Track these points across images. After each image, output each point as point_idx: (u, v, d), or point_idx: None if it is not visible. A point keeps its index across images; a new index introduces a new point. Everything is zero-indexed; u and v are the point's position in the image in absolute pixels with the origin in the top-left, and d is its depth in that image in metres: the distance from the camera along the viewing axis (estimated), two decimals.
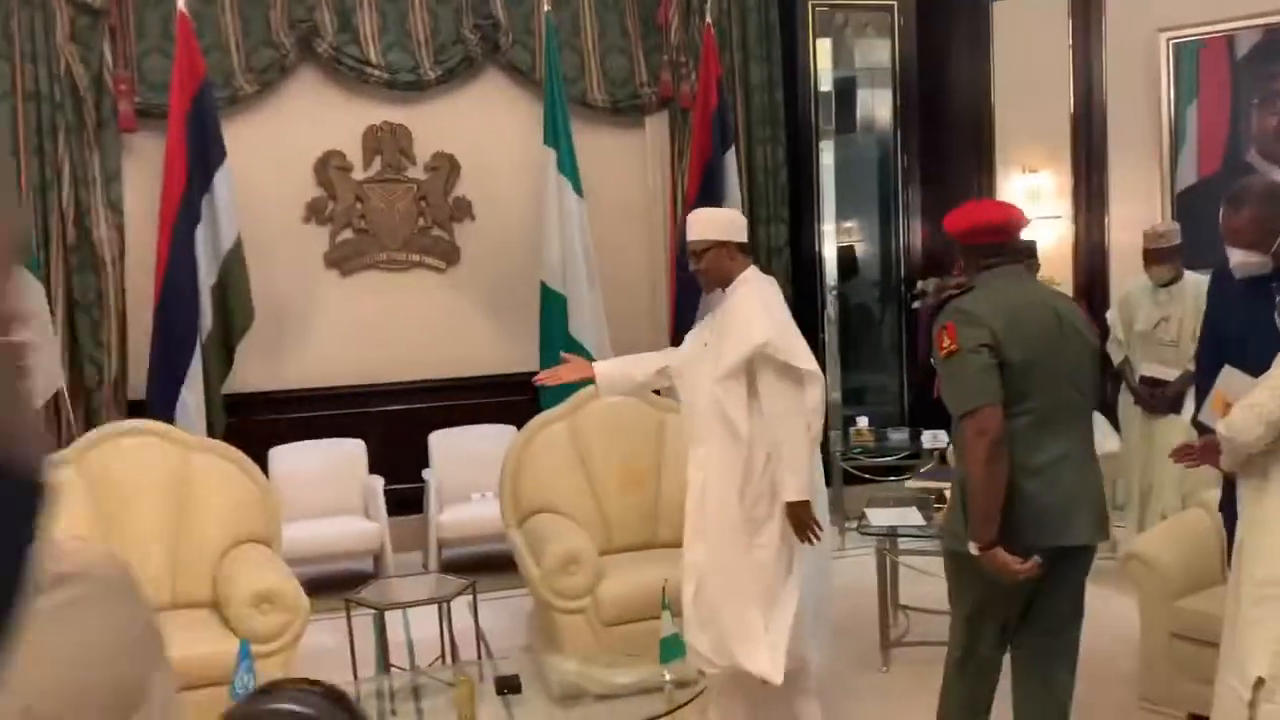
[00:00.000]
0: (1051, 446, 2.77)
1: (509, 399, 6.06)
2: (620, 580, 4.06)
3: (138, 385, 5.51)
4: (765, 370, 3.34)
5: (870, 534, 4.30)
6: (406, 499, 5.92)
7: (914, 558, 4.53)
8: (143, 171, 5.65)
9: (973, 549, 2.73)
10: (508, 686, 3.19)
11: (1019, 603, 2.90)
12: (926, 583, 4.64)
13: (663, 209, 6.41)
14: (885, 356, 7.33)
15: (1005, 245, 2.97)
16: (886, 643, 4.28)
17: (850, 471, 6.17)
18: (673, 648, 3.20)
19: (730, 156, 6.01)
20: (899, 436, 6.27)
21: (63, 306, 5.49)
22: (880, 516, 4.36)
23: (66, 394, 5.33)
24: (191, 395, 5.24)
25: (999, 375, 2.72)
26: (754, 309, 3.41)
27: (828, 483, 6.35)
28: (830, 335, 6.83)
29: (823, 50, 6.74)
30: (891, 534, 4.33)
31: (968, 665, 3.03)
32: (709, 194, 5.88)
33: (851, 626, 4.69)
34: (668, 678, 3.10)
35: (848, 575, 5.51)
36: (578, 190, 5.85)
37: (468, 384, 6.30)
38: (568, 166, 5.80)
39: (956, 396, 2.78)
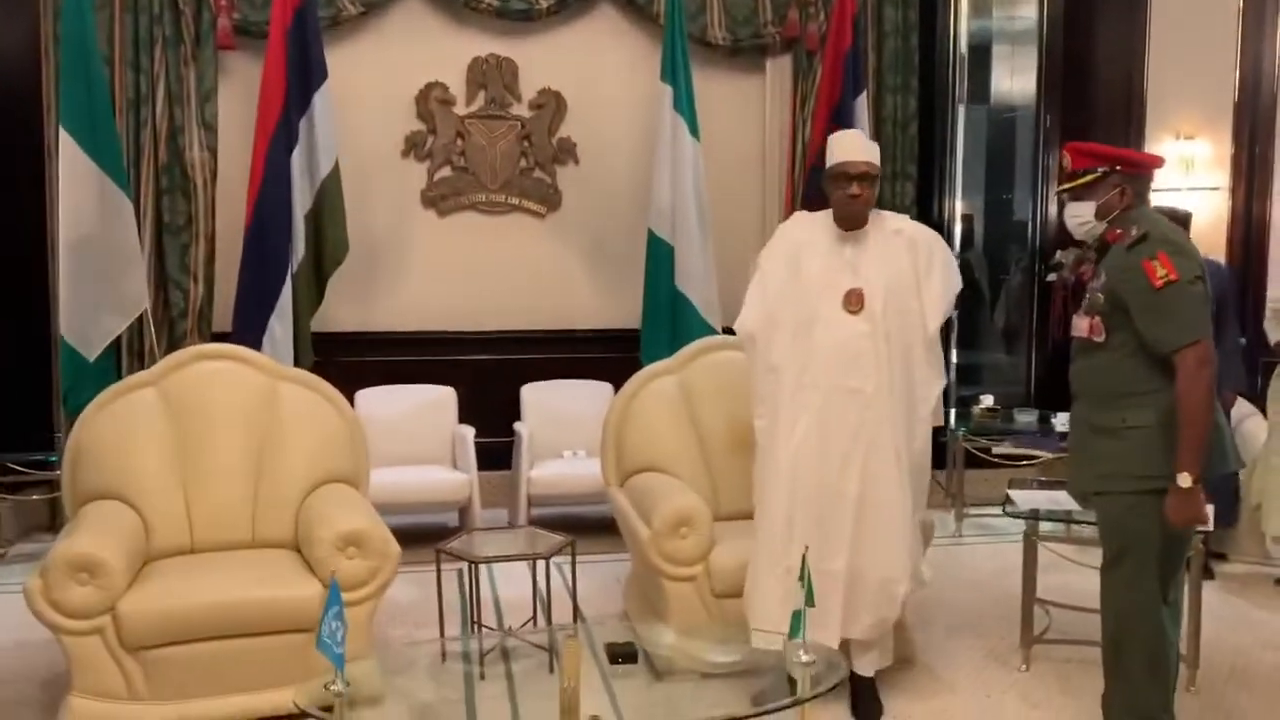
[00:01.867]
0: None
1: (608, 355, 5.72)
2: (736, 547, 3.66)
3: (223, 317, 5.26)
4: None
5: (1018, 516, 3.83)
6: (494, 453, 5.61)
7: (1061, 546, 4.03)
8: (238, 93, 5.38)
9: (1184, 481, 2.76)
10: (622, 656, 2.81)
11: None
12: (1069, 575, 4.18)
13: (780, 158, 5.96)
14: (1011, 333, 6.80)
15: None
16: (1028, 639, 3.81)
17: (973, 453, 5.68)
18: (798, 619, 2.78)
19: (862, 101, 5.53)
20: (1026, 418, 5.76)
21: (151, 228, 5.26)
22: (1026, 499, 3.88)
23: (151, 318, 5.10)
24: (280, 326, 4.97)
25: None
26: (947, 252, 3.45)
27: (942, 464, 5.93)
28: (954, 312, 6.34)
29: None
30: (1036, 517, 3.85)
31: (1161, 617, 2.95)
32: None
33: (984, 621, 4.25)
34: (804, 658, 2.69)
35: (973, 566, 5.06)
36: (693, 131, 5.43)
37: (564, 337, 5.95)
38: (685, 105, 5.39)
39: (1176, 328, 2.78)
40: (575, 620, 4.01)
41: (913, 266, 3.36)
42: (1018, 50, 6.78)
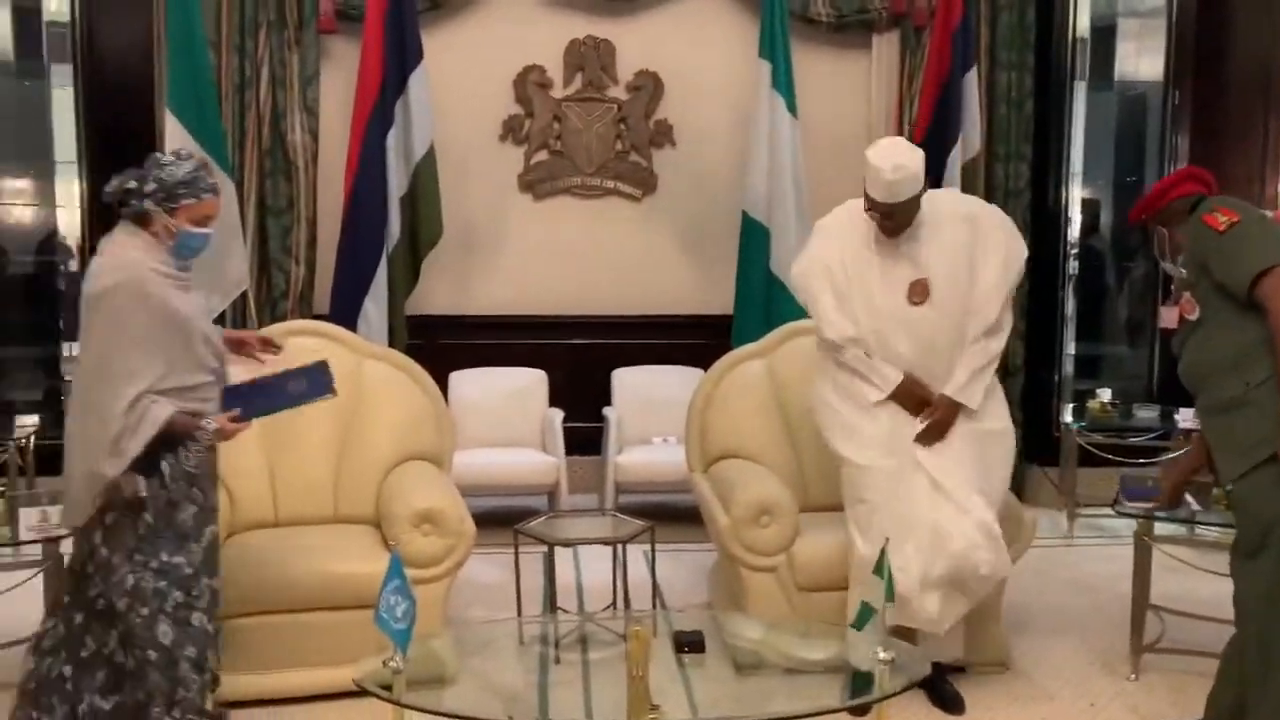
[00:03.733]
0: None
1: (700, 341, 5.57)
2: (821, 539, 3.51)
3: (323, 299, 5.33)
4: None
5: (1129, 515, 3.56)
6: (584, 439, 5.57)
7: (1179, 549, 3.74)
8: (339, 76, 5.44)
9: None
10: (689, 644, 2.70)
11: None
12: (1187, 581, 3.87)
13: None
14: (1134, 324, 6.41)
15: None
16: (1138, 647, 3.55)
17: (1087, 448, 5.35)
18: (868, 613, 2.62)
19: (971, 78, 5.25)
20: (1147, 414, 5.40)
21: (254, 211, 5.36)
22: (1140, 498, 3.61)
23: (253, 299, 5.20)
24: (374, 307, 5.02)
25: None
26: (1007, 224, 3.37)
27: (1055, 461, 5.63)
28: (1068, 296, 6.01)
29: None
30: (1150, 516, 3.57)
31: None
32: (943, 120, 5.17)
33: (1092, 626, 3.99)
34: (882, 655, 2.53)
35: (1082, 568, 4.77)
36: (792, 110, 5.26)
37: (657, 322, 5.85)
38: (783, 83, 5.22)
39: (1249, 259, 2.66)
40: (654, 607, 3.91)
41: (970, 245, 3.24)
42: (1145, 26, 6.38)
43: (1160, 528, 3.62)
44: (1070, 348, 5.99)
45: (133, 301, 2.64)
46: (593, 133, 5.82)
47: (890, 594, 2.56)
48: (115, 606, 2.75)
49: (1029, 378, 5.81)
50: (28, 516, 3.10)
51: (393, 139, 5.05)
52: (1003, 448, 3.32)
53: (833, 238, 3.35)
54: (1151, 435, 5.32)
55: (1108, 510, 4.54)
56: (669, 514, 4.95)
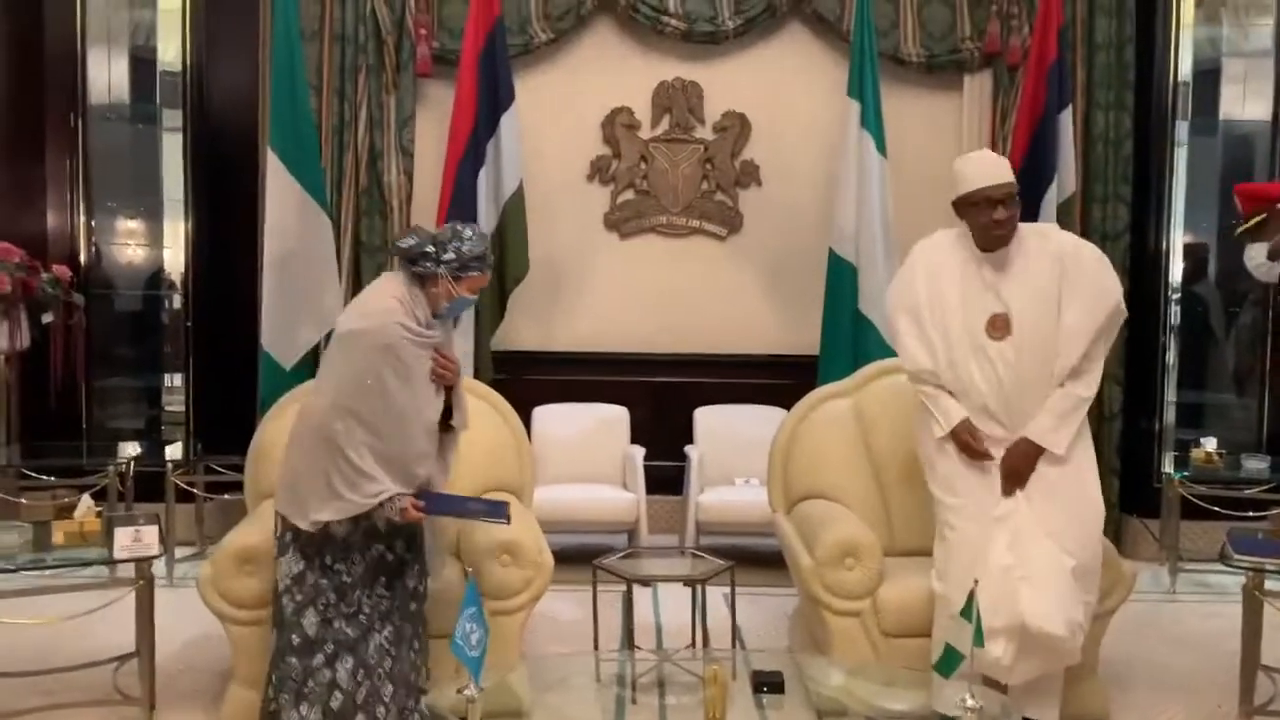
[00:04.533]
0: None
1: (784, 381, 5.52)
2: (907, 583, 3.40)
3: None
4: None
5: (1237, 568, 3.37)
6: (665, 478, 5.53)
7: None
8: (433, 119, 5.58)
9: None
10: (768, 684, 2.63)
11: None
12: None
13: None
14: (1242, 372, 6.13)
15: None
16: (1248, 709, 3.34)
17: (1190, 500, 5.11)
18: (955, 658, 2.51)
19: (1065, 117, 5.14)
20: (1256, 465, 5.14)
21: (349, 249, 5.50)
22: (1250, 551, 3.42)
23: None
24: (461, 342, 5.06)
25: None
26: (1099, 260, 3.22)
27: (1155, 513, 5.39)
28: (1169, 343, 5.79)
29: (1186, 6, 5.71)
30: (1261, 570, 3.37)
31: None
32: (1036, 159, 5.06)
33: (1196, 685, 3.77)
34: (970, 703, 2.43)
35: (1186, 624, 4.54)
36: (881, 149, 5.21)
37: (741, 361, 5.82)
38: (872, 122, 5.18)
39: None
40: (734, 647, 3.83)
41: (1058, 280, 3.13)
42: (1252, 66, 6.17)
43: (1272, 583, 3.41)
44: (1171, 395, 5.75)
45: (372, 351, 2.82)
46: (679, 173, 5.85)
47: (979, 639, 2.46)
48: (276, 587, 2.93)
49: (1128, 425, 5.60)
50: (122, 536, 3.18)
51: (484, 177, 5.15)
52: (1091, 498, 3.18)
53: (920, 264, 3.29)
54: (1263, 488, 5.04)
55: (1212, 564, 4.35)
56: (750, 558, 4.87)
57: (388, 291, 2.92)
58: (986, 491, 3.15)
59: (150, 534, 3.21)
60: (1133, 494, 5.56)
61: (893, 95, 5.49)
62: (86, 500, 3.41)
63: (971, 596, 2.47)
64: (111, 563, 3.18)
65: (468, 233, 2.99)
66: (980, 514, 3.13)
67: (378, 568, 2.99)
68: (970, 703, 2.45)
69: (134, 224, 6.34)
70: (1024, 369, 3.13)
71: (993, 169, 3.16)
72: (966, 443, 3.15)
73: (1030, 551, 3.06)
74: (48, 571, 3.28)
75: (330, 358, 2.97)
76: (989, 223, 3.11)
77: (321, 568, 2.92)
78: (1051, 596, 3.02)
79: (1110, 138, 5.50)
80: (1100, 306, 3.14)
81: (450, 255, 2.92)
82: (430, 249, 2.92)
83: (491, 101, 5.16)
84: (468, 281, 2.98)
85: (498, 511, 3.09)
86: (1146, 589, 4.83)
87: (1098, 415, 5.50)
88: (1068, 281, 3.13)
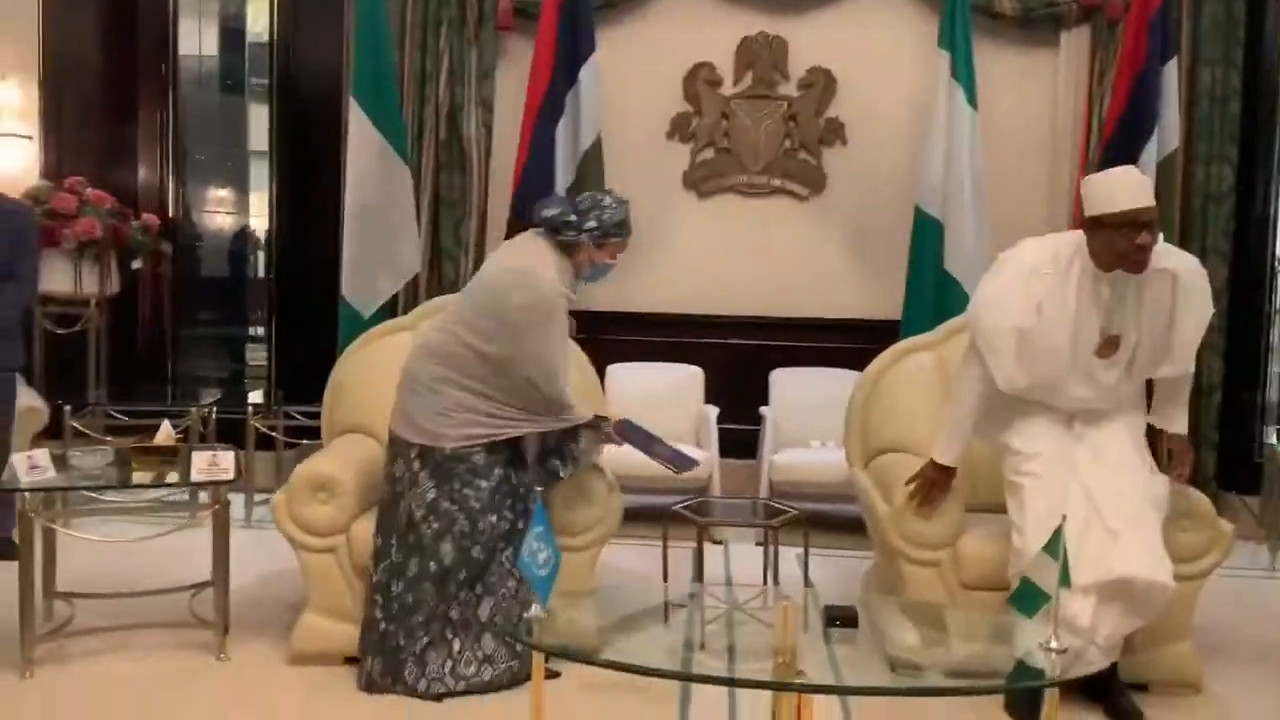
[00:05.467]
0: None
1: (865, 346, 5.33)
2: (989, 534, 3.27)
3: None
4: None
5: None
6: (739, 442, 5.44)
7: None
8: (514, 73, 5.56)
9: None
10: (841, 619, 2.55)
11: None
12: None
13: (1072, 141, 5.42)
14: None
15: None
16: None
17: None
18: (1037, 596, 2.38)
19: (1170, 69, 4.90)
20: None
21: (429, 202, 5.52)
22: None
23: (425, 289, 5.35)
24: None
25: None
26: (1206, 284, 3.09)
27: (1255, 489, 5.14)
28: (1274, 313, 5.51)
29: None
30: None
31: None
32: (1137, 114, 4.83)
33: None
34: (1055, 644, 2.31)
35: None
36: (971, 101, 5.03)
37: (819, 324, 5.70)
38: (962, 72, 5.01)
39: None
40: (806, 586, 3.75)
41: (1170, 302, 3.00)
42: None
43: None
44: (1276, 366, 5.48)
45: (551, 316, 3.04)
46: (761, 130, 5.74)
47: (1066, 578, 2.33)
48: (413, 517, 3.04)
49: (1227, 398, 5.34)
50: (199, 460, 3.22)
51: (562, 129, 5.12)
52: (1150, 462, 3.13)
53: (1031, 277, 3.04)
54: None
55: None
56: (823, 522, 4.77)
57: (544, 259, 3.05)
58: (1066, 444, 3.05)
59: (227, 459, 3.24)
60: (1232, 469, 5.31)
61: (985, 51, 5.30)
62: (166, 426, 3.46)
63: (1058, 533, 2.34)
64: (188, 485, 3.22)
65: (608, 200, 3.14)
66: (1059, 464, 3.02)
67: (502, 490, 3.07)
68: (1054, 644, 2.33)
69: (221, 180, 6.49)
70: (1124, 387, 3.09)
71: (1140, 189, 2.92)
72: (931, 483, 3.19)
73: (1114, 502, 2.93)
74: (128, 493, 3.33)
75: (530, 325, 3.01)
76: (1131, 248, 2.88)
77: (451, 494, 3.03)
78: (1148, 545, 2.89)
79: (1217, 94, 5.24)
80: (1206, 317, 3.08)
81: (593, 223, 3.08)
82: (573, 217, 3.07)
83: (571, 51, 5.12)
84: (609, 248, 3.15)
85: (680, 461, 3.28)
86: (1245, 566, 4.61)
87: (1195, 387, 5.25)
88: (1180, 301, 3.02)
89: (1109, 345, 3.00)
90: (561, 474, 3.24)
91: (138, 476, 3.28)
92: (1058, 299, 2.99)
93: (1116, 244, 2.90)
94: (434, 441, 3.05)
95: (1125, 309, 2.99)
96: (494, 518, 3.09)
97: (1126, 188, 2.92)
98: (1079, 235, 3.04)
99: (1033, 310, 3.00)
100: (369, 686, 3.07)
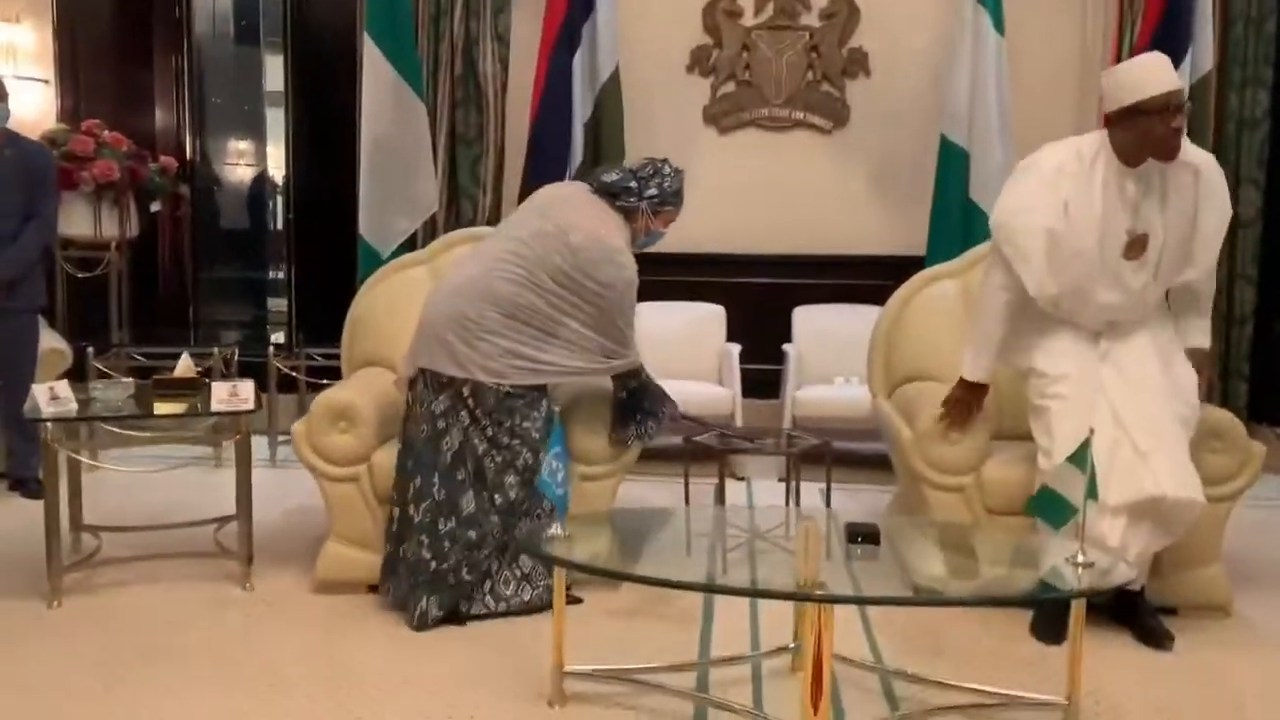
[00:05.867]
0: None
1: (887, 282, 5.27)
2: (1014, 459, 3.23)
3: None
4: None
5: None
6: (762, 380, 5.40)
7: None
8: (530, 7, 5.45)
9: None
10: (863, 535, 2.52)
11: None
12: None
13: (1102, 64, 5.23)
14: None
15: None
16: None
17: None
18: (1064, 509, 2.35)
19: None
20: None
21: (445, 139, 5.46)
22: None
23: (443, 227, 5.31)
24: None
25: None
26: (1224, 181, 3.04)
27: None
28: None
29: None
30: None
31: None
32: (1169, 33, 4.68)
33: None
34: (1082, 558, 2.28)
35: None
36: (998, 26, 4.91)
37: (843, 261, 5.61)
38: None
39: None
40: (827, 506, 3.73)
41: (1194, 197, 2.94)
42: None
43: None
44: None
45: (627, 294, 3.20)
46: (783, 62, 5.63)
47: (1093, 490, 2.30)
48: (466, 453, 3.04)
49: (1259, 329, 5.24)
50: (219, 390, 3.22)
51: (579, 61, 5.04)
52: (1187, 365, 3.04)
53: (1057, 177, 2.98)
54: None
55: None
56: (847, 460, 4.74)
57: (614, 229, 3.12)
58: (1092, 364, 3.01)
59: (247, 389, 3.24)
60: (1263, 401, 5.22)
61: None
62: (186, 358, 3.46)
63: (1085, 444, 2.30)
64: (209, 414, 3.22)
65: (667, 169, 3.21)
66: (1085, 385, 2.98)
67: (550, 420, 3.07)
68: (1081, 558, 2.30)
69: (237, 125, 6.45)
70: (1151, 292, 3.01)
71: (1169, 73, 2.89)
72: (960, 402, 3.15)
73: (1142, 422, 2.88)
74: (149, 423, 3.34)
75: (622, 300, 3.17)
76: (1169, 132, 2.82)
77: (513, 429, 3.03)
78: (1177, 463, 2.84)
79: (1251, 15, 5.07)
80: (1226, 215, 3.03)
81: (653, 191, 3.16)
82: (634, 184, 3.14)
83: None
84: (664, 215, 3.22)
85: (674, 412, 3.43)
86: (1275, 496, 4.55)
87: (1226, 317, 5.17)
88: (1203, 195, 2.97)
89: (1136, 246, 2.94)
90: (649, 437, 3.31)
91: (159, 407, 3.28)
92: (1084, 199, 2.94)
93: (1155, 129, 2.84)
94: (496, 378, 3.01)
95: (1151, 206, 2.94)
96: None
97: (1159, 71, 2.88)
98: (1100, 134, 2.99)
99: (1061, 211, 2.94)
100: (422, 625, 3.00)
